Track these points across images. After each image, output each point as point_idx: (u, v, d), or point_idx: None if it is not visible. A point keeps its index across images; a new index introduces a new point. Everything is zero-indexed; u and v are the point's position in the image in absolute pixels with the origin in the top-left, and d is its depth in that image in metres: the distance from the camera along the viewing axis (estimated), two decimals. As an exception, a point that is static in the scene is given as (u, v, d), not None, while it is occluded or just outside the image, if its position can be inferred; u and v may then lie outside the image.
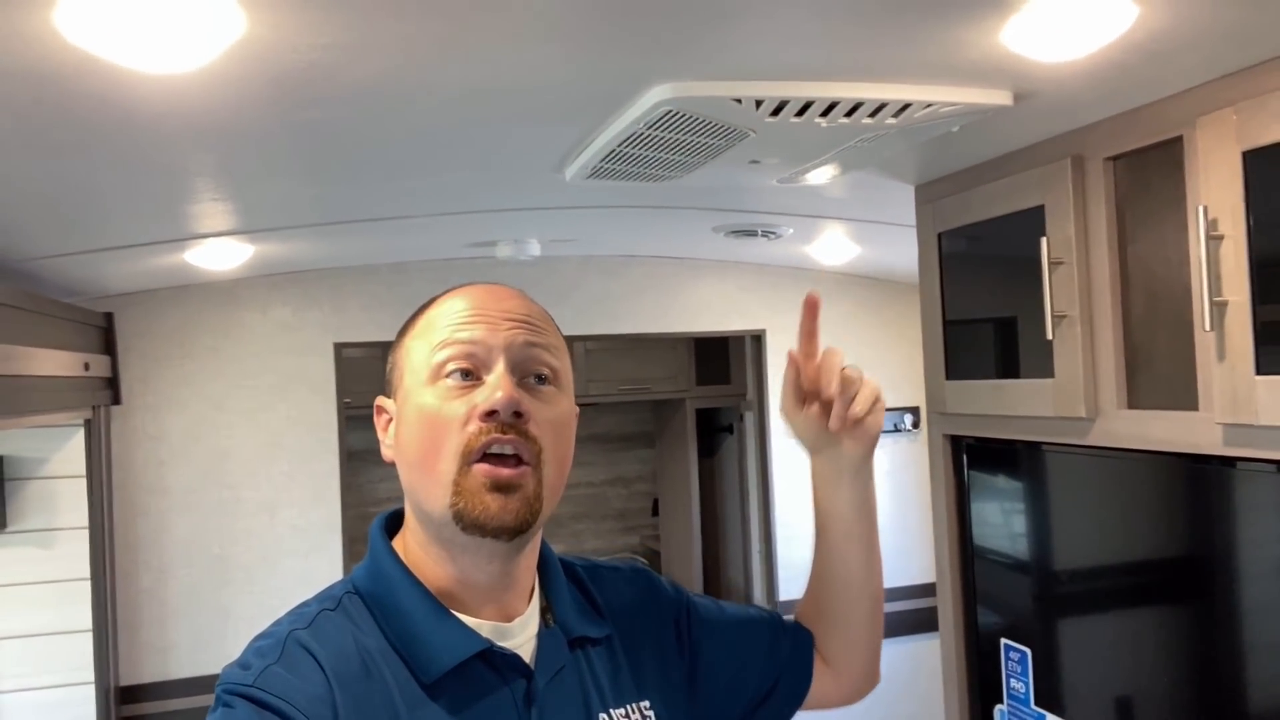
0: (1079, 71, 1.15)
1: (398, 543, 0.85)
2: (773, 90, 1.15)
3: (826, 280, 2.86)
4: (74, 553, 2.31)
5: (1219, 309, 1.18)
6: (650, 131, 1.25)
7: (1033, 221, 1.49)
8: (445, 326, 0.80)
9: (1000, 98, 1.24)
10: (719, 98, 1.15)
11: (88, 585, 2.31)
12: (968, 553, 1.78)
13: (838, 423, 0.86)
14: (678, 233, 2.44)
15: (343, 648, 0.76)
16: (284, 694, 0.71)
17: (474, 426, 0.76)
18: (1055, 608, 1.62)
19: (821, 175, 1.54)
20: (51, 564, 2.30)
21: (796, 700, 0.97)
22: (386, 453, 0.85)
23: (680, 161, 1.40)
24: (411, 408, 0.80)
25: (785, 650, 0.97)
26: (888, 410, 2.94)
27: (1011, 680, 1.67)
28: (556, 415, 0.81)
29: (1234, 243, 1.16)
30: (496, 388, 0.77)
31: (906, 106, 1.22)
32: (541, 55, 1.06)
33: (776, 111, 1.20)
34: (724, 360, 4.56)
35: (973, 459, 1.76)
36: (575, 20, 0.96)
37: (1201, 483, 1.30)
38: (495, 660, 0.79)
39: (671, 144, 1.30)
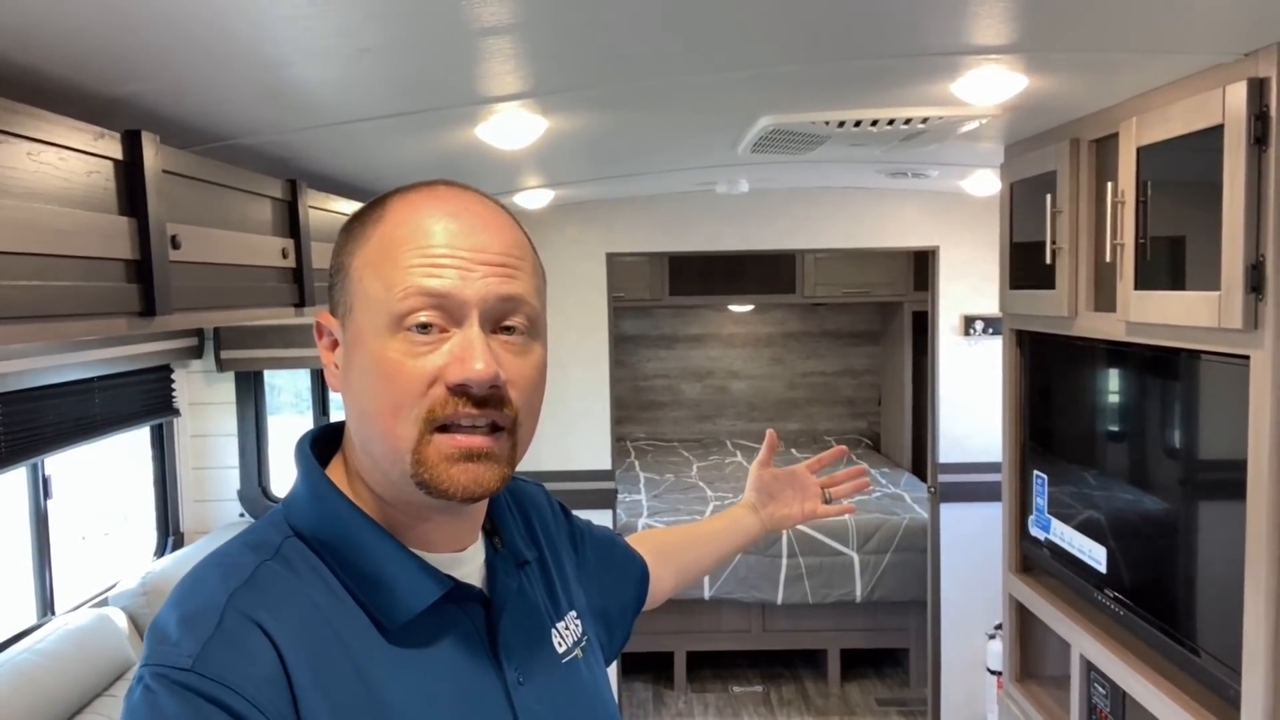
0: (1026, 94, 1.84)
1: (334, 470, 0.78)
2: (833, 116, 1.96)
3: (989, 204, 3.46)
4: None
5: (1118, 248, 1.84)
6: (769, 135, 2.11)
7: (1052, 180, 2.16)
8: (410, 266, 0.71)
9: (992, 110, 1.95)
10: (801, 121, 1.98)
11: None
12: (1022, 412, 2.50)
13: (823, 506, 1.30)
14: (854, 172, 3.21)
15: (294, 611, 0.68)
16: (227, 678, 0.63)
17: (439, 393, 0.70)
18: (1060, 448, 2.32)
19: (901, 153, 2.30)
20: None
21: (640, 606, 1.12)
22: (333, 381, 0.77)
23: (797, 148, 2.24)
24: (365, 354, 0.72)
25: (639, 570, 1.12)
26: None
27: (1037, 498, 2.41)
28: (532, 368, 0.75)
29: (1129, 206, 1.81)
30: (471, 355, 0.70)
31: (926, 119, 1.97)
32: (708, 109, 1.96)
33: (841, 125, 2.00)
34: (939, 269, 5.15)
35: (1024, 347, 2.46)
36: (722, 94, 1.85)
37: (1116, 358, 1.98)
38: (456, 593, 0.76)
39: (784, 142, 2.15)
